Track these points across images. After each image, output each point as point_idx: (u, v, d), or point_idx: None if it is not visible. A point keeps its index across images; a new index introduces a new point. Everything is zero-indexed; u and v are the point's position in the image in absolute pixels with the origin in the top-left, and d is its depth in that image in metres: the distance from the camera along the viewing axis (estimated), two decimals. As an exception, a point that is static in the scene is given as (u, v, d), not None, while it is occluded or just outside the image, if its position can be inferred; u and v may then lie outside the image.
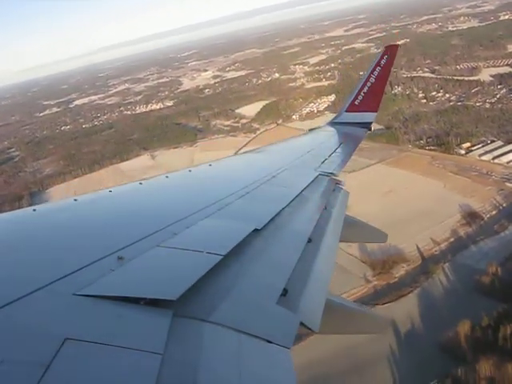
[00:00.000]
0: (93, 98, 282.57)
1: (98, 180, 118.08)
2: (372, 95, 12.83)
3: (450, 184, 78.59)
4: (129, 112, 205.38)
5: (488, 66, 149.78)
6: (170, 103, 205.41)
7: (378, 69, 12.55)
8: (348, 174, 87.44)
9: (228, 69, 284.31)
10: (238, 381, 2.64)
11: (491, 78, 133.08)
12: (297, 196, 6.81)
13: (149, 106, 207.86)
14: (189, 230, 4.62)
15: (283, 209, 5.96)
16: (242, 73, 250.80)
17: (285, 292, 3.84)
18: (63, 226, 4.89)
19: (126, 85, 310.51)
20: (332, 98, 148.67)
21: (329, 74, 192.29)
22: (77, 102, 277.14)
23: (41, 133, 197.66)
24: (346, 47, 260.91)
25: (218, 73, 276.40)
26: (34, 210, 5.43)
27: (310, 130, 13.70)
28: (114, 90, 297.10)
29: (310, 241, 5.21)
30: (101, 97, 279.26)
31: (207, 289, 3.51)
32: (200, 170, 9.38)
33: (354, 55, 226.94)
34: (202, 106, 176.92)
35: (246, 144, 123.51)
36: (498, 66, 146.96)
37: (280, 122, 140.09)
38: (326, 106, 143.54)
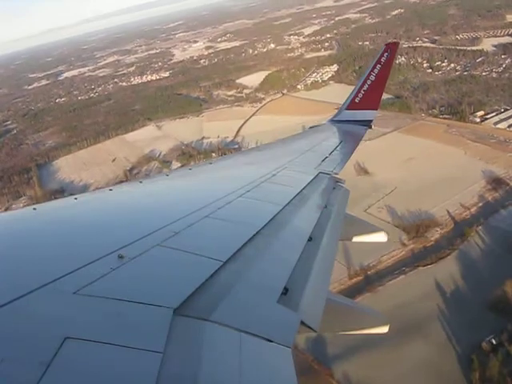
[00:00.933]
0: (82, 70, 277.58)
1: (105, 151, 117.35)
2: (372, 93, 12.80)
3: (471, 151, 79.34)
4: (124, 83, 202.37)
5: (488, 36, 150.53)
6: (166, 74, 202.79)
7: (379, 66, 12.51)
8: (365, 142, 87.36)
9: (219, 40, 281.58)
10: (238, 380, 2.64)
11: (494, 48, 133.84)
12: (297, 194, 6.84)
13: (144, 77, 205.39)
14: (189, 229, 4.61)
15: (284, 207, 6.00)
16: (236, 43, 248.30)
17: (285, 291, 3.86)
18: (64, 225, 4.96)
19: (115, 56, 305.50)
20: (334, 67, 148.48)
21: (326, 44, 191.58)
22: (66, 75, 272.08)
23: (35, 105, 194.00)
24: (339, 18, 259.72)
25: (210, 44, 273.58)
26: (35, 208, 5.54)
27: (311, 127, 13.79)
28: (104, 62, 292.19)
29: (310, 239, 5.22)
30: (90, 69, 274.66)
31: (208, 287, 3.49)
32: (200, 169, 9.74)
33: (348, 25, 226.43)
34: (201, 77, 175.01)
35: (254, 113, 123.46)
36: (499, 36, 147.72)
37: (285, 91, 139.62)
38: (329, 75, 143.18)
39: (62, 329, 2.61)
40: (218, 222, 5.09)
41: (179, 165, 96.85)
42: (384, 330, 5.03)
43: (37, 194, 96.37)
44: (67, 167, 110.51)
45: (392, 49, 12.49)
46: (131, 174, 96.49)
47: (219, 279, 3.69)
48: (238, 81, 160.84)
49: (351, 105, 13.08)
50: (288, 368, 2.96)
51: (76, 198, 5.97)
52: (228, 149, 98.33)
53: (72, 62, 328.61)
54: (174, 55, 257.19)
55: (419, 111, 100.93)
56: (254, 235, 4.78)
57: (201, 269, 3.73)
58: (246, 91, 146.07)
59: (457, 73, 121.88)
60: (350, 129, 12.74)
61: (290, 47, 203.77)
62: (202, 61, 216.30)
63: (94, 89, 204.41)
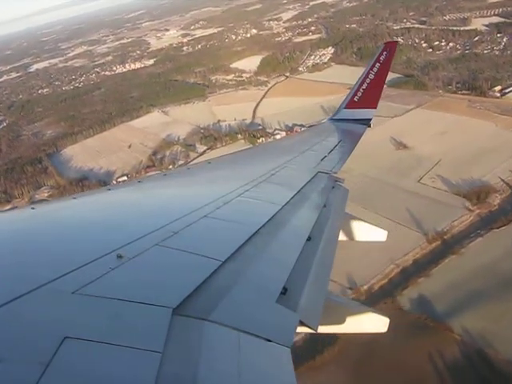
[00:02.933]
0: (52, 61, 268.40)
1: (115, 138, 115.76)
2: (371, 92, 12.81)
3: (501, 124, 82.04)
4: (107, 72, 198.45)
5: (476, 17, 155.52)
6: (150, 62, 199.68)
7: (378, 65, 12.55)
8: (392, 119, 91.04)
9: (193, 27, 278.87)
10: (237, 379, 2.66)
11: (486, 28, 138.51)
12: (296, 194, 6.84)
13: (127, 65, 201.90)
14: (188, 229, 4.63)
15: (282, 207, 6.01)
16: (213, 30, 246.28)
17: (284, 291, 3.87)
18: (62, 225, 5.00)
19: (84, 47, 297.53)
20: (330, 50, 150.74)
21: (312, 28, 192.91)
22: (36, 66, 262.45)
23: (17, 97, 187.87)
24: (314, 2, 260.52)
25: (184, 31, 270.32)
26: (33, 208, 5.64)
27: (309, 126, 13.91)
28: (73, 53, 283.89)
29: (309, 239, 5.23)
30: (61, 60, 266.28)
31: (207, 287, 3.49)
32: (199, 168, 9.97)
33: (327, 9, 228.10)
34: (191, 63, 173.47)
35: (264, 96, 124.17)
36: (487, 16, 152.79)
37: (288, 74, 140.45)
38: (328, 57, 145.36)
39: (61, 328, 2.64)
40: (216, 221, 5.12)
41: (204, 148, 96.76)
42: (383, 329, 5.08)
43: (58, 182, 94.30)
44: (80, 155, 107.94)
45: (391, 48, 12.67)
46: (156, 159, 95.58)
47: (218, 279, 3.71)
48: (232, 65, 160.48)
49: (350, 104, 13.13)
50: (287, 368, 2.99)
51: (75, 198, 6.08)
52: (253, 130, 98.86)
53: (37, 53, 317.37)
54: (149, 43, 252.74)
55: (435, 88, 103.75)
56: (253, 235, 4.79)
57: (200, 268, 3.75)
58: (245, 75, 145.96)
59: (458, 52, 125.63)
60: (349, 128, 12.77)
61: (275, 32, 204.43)
62: (184, 48, 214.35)
63: (76, 79, 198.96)
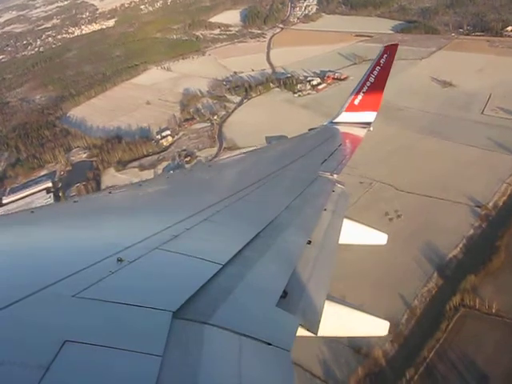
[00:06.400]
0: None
1: (123, 97, 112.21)
2: (372, 94, 12.87)
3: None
4: (66, 35, 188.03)
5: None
6: (109, 23, 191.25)
7: (378, 68, 12.58)
8: (420, 61, 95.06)
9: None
10: (237, 383, 2.67)
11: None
12: (296, 197, 6.85)
13: (83, 27, 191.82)
14: (188, 232, 4.64)
15: (283, 210, 6.05)
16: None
17: (284, 294, 3.91)
18: (63, 228, 5.06)
19: (13, 12, 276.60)
20: (313, 1, 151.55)
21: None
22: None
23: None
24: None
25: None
26: (33, 212, 5.74)
27: (310, 129, 13.89)
28: (3, 19, 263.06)
29: (309, 242, 5.25)
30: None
31: (207, 291, 3.49)
32: (199, 172, 10.07)
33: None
34: (161, 21, 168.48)
35: (269, 47, 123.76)
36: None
37: (281, 26, 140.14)
38: (315, 9, 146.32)
39: (61, 332, 2.63)
40: (217, 225, 5.22)
41: (238, 98, 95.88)
42: (383, 333, 5.13)
43: (89, 143, 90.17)
44: (93, 116, 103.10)
45: (391, 51, 12.66)
46: (193, 112, 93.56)
47: (218, 282, 3.71)
48: (211, 20, 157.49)
49: (350, 107, 13.17)
50: (287, 371, 3.05)
51: (75, 202, 6.24)
52: (282, 79, 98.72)
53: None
54: (94, 5, 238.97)
55: (447, 32, 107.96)
56: (253, 238, 4.84)
57: (200, 272, 3.77)
58: (232, 29, 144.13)
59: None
60: (350, 131, 12.81)
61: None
62: (142, 7, 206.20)
63: (30, 43, 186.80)
